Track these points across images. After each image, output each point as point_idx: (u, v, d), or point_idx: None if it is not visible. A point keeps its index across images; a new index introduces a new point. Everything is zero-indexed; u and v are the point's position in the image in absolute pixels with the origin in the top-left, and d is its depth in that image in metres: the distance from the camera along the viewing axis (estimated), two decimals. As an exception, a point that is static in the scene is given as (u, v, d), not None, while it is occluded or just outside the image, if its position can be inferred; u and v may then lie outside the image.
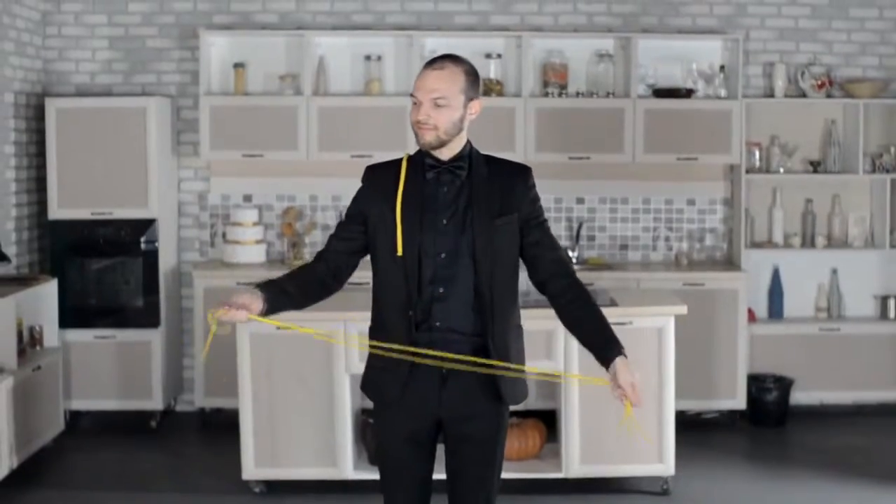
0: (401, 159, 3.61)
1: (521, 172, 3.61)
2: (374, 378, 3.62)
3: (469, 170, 3.53)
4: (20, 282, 6.48)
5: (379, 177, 3.60)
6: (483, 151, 3.65)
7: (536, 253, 3.56)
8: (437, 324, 3.49)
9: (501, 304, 3.52)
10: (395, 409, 3.54)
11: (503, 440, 3.64)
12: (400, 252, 3.48)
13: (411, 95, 3.51)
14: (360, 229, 3.59)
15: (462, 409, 3.52)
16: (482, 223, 3.48)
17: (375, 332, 3.63)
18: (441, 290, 3.48)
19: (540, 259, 3.57)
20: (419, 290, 3.47)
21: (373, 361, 3.63)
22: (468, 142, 3.58)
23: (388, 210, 3.52)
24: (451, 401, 3.51)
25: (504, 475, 3.75)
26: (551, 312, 5.64)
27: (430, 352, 3.43)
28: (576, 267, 7.30)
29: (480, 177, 3.54)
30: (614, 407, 5.66)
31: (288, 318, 5.62)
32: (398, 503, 3.63)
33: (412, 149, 3.63)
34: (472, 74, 3.53)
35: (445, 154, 3.52)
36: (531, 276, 3.60)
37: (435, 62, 3.50)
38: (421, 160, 3.55)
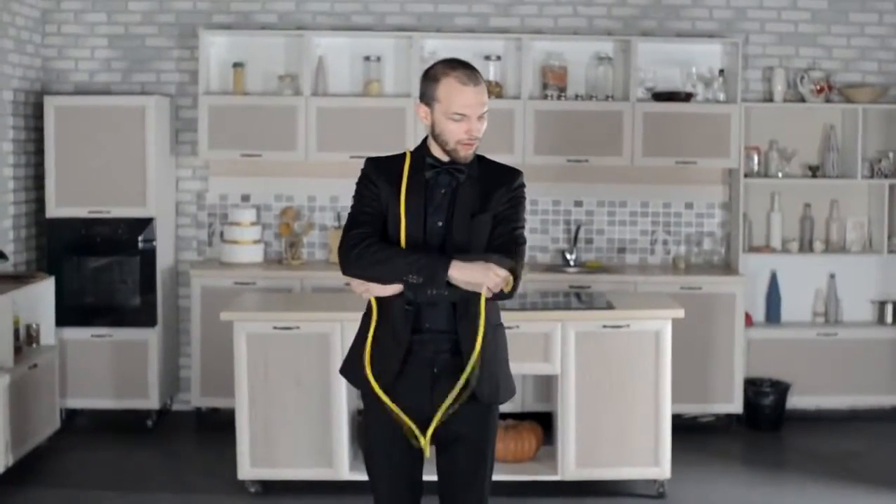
0: (403, 154, 3.60)
1: (508, 175, 3.62)
2: (357, 364, 3.60)
3: (465, 171, 3.55)
4: (17, 279, 6.47)
5: (384, 171, 3.58)
6: (485, 154, 3.66)
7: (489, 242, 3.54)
8: (427, 325, 3.50)
9: (475, 302, 3.49)
10: (385, 408, 3.53)
11: (493, 439, 3.65)
12: None
13: (455, 114, 3.45)
14: (381, 208, 3.54)
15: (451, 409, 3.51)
16: (461, 223, 3.50)
17: (368, 317, 3.60)
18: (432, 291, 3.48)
19: (490, 241, 3.54)
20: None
21: (363, 347, 3.60)
22: None
23: (393, 207, 3.52)
24: (441, 401, 3.50)
25: (499, 477, 3.76)
26: (549, 315, 5.70)
27: None
28: (573, 269, 7.33)
29: (471, 177, 3.55)
30: (611, 410, 5.69)
31: (285, 318, 5.56)
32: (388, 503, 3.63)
33: (409, 149, 3.63)
34: None
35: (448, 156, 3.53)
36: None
37: (471, 77, 3.46)
38: (422, 159, 3.55)
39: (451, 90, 3.46)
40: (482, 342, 3.46)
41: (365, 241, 3.50)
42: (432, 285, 3.42)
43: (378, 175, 3.57)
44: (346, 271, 3.54)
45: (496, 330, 3.61)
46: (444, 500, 3.65)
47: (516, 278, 3.46)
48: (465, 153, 3.50)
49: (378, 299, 3.55)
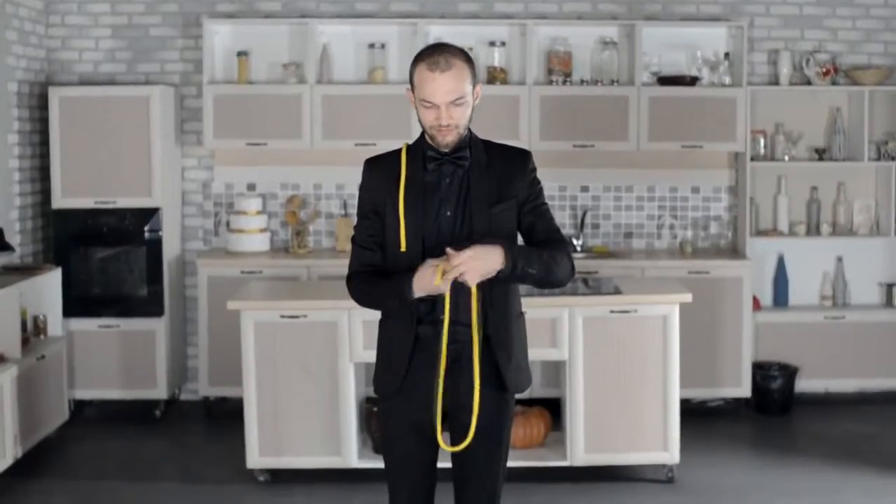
0: (399, 150, 3.58)
1: (519, 157, 3.60)
2: (378, 370, 3.63)
3: (469, 158, 3.52)
4: (24, 271, 6.48)
5: (380, 170, 3.57)
6: (487, 139, 3.64)
7: (531, 236, 3.56)
8: (442, 316, 3.48)
9: (500, 291, 3.50)
10: (400, 398, 3.54)
11: (508, 428, 3.64)
12: (404, 248, 3.47)
13: (423, 101, 3.42)
14: (380, 223, 3.55)
15: (467, 398, 3.50)
16: (480, 211, 3.47)
17: (384, 320, 3.64)
18: None
19: (533, 235, 3.55)
20: None
21: (378, 351, 3.64)
22: (469, 130, 3.55)
23: (391, 204, 3.50)
24: (456, 391, 3.50)
25: (509, 463, 3.75)
26: (556, 300, 5.70)
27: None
28: (580, 255, 7.31)
29: (479, 164, 3.52)
30: (619, 395, 5.69)
31: (292, 307, 5.59)
32: (403, 492, 3.63)
33: (415, 137, 3.60)
34: (470, 62, 3.49)
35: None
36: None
37: (438, 63, 3.39)
38: (421, 151, 3.52)
39: (420, 77, 3.42)
40: (481, 322, 3.46)
41: (356, 277, 3.60)
42: (403, 301, 3.43)
43: (373, 179, 3.56)
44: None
45: (518, 319, 3.61)
46: (458, 487, 3.64)
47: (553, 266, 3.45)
48: (442, 139, 3.45)
49: None
